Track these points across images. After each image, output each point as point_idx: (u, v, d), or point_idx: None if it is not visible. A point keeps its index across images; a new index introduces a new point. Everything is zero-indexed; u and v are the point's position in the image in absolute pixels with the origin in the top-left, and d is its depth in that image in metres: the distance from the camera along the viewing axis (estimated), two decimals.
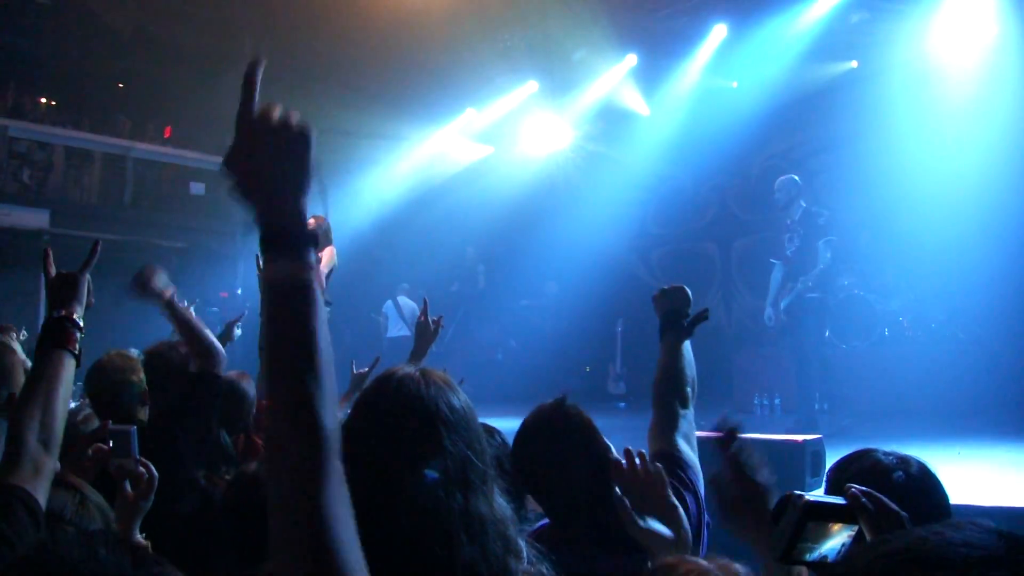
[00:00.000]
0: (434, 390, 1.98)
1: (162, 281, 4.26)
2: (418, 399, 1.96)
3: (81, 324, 2.76)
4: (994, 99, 12.36)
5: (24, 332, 7.04)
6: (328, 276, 11.40)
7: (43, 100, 20.79)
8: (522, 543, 1.92)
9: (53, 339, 2.68)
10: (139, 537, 2.73)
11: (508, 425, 3.17)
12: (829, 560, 1.75)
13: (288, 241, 1.60)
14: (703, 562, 1.81)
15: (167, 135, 22.33)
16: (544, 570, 1.93)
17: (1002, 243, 11.62)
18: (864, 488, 1.79)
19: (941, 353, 11.74)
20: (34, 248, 18.36)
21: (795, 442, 5.76)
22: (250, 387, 4.78)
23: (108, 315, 21.25)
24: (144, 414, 4.11)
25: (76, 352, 2.70)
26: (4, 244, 18.65)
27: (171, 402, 4.02)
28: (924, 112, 12.86)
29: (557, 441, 2.81)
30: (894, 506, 1.78)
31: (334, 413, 1.47)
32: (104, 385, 4.07)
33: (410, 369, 2.05)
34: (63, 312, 2.79)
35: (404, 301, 16.86)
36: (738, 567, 1.78)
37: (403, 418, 1.94)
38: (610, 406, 14.15)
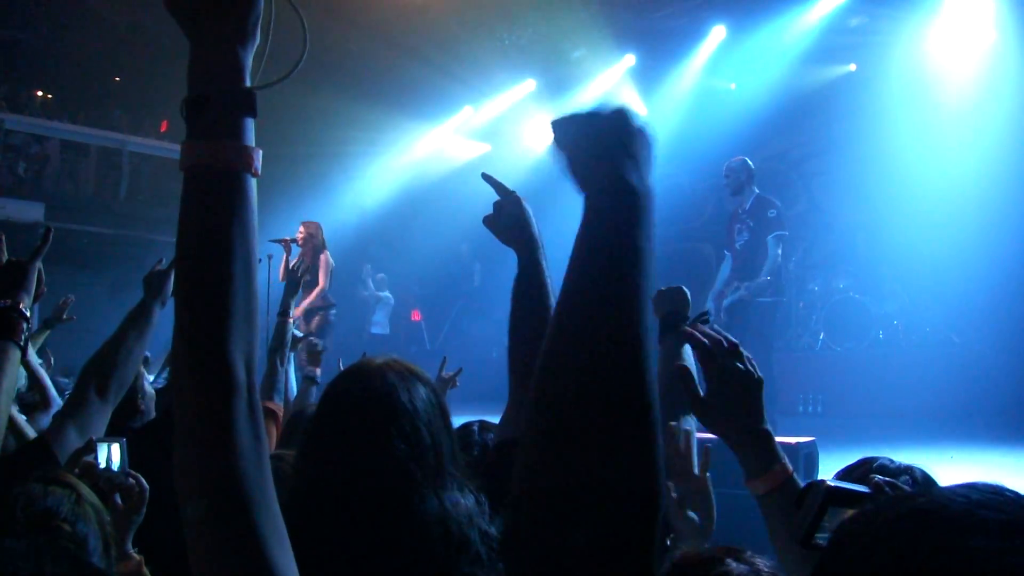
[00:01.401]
0: (390, 381, 1.96)
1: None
2: (371, 392, 1.94)
3: (28, 314, 2.66)
4: (992, 104, 12.37)
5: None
6: (328, 280, 11.54)
7: (39, 93, 20.75)
8: (476, 538, 1.87)
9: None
10: (132, 551, 2.69)
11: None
12: None
13: (213, 108, 1.37)
14: (734, 563, 1.80)
15: (163, 129, 22.30)
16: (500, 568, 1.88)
17: (998, 247, 11.63)
18: (888, 479, 1.78)
19: (935, 356, 11.76)
20: (30, 242, 18.33)
21: (788, 444, 5.75)
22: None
23: (103, 308, 21.27)
24: (143, 415, 4.08)
25: (21, 343, 2.62)
26: None
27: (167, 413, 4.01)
28: (922, 116, 12.88)
29: None
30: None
31: (247, 347, 1.33)
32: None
33: (373, 361, 2.03)
34: (7, 302, 2.67)
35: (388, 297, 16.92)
36: (761, 563, 1.78)
37: (355, 410, 1.93)
38: None
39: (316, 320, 11.76)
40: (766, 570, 1.76)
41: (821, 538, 1.72)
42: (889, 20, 13.69)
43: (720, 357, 2.06)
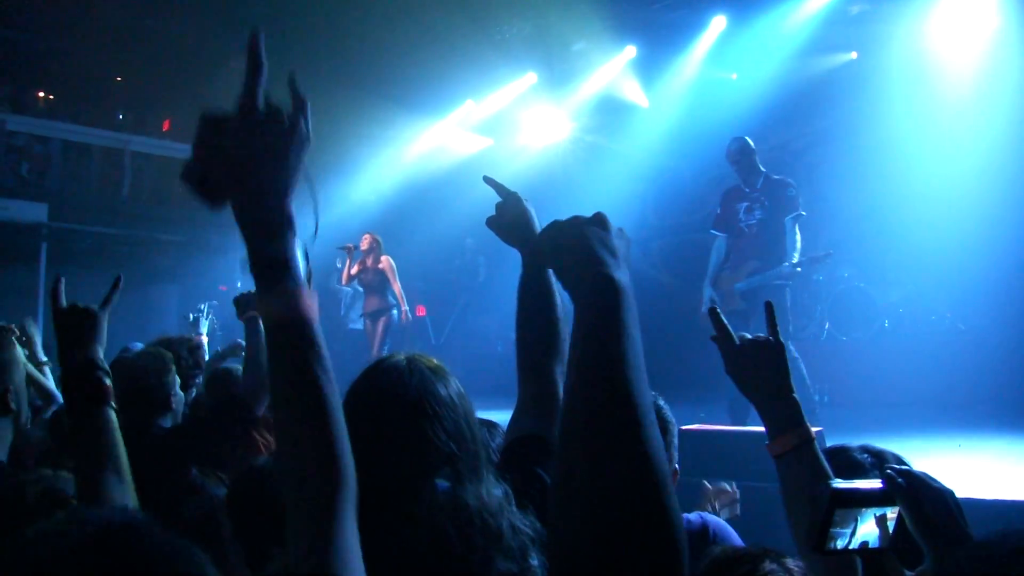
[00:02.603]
0: (418, 379, 1.96)
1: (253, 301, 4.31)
2: (401, 391, 1.94)
3: (106, 367, 2.40)
4: (995, 91, 12.34)
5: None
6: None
7: (41, 94, 20.78)
8: (508, 531, 1.88)
9: (86, 396, 2.33)
10: None
11: (507, 418, 3.16)
12: (871, 546, 1.73)
13: (269, 267, 1.52)
14: (769, 563, 1.81)
15: (166, 128, 22.31)
16: (532, 563, 1.89)
17: (1002, 235, 11.61)
18: (901, 468, 1.77)
19: (941, 345, 11.74)
20: (33, 242, 18.36)
21: None
22: None
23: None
24: (167, 419, 4.09)
25: (115, 406, 2.39)
26: (2, 239, 18.64)
27: (197, 421, 4.04)
28: (924, 104, 12.85)
29: None
30: (938, 483, 1.76)
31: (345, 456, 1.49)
32: (122, 387, 4.00)
33: (398, 358, 2.04)
34: (81, 356, 2.43)
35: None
36: (794, 565, 1.78)
37: (385, 411, 1.93)
38: None
39: (382, 320, 12.77)
40: (798, 571, 1.76)
41: (836, 537, 1.69)
42: (890, 7, 13.66)
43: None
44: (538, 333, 2.49)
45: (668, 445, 3.01)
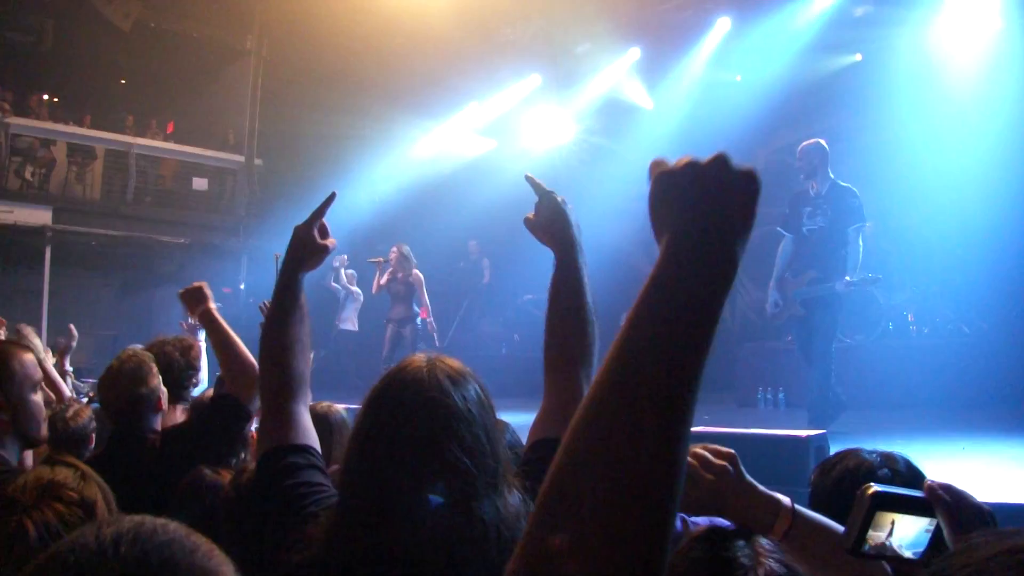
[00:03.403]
0: (436, 390, 1.92)
1: (204, 294, 4.25)
2: (426, 399, 1.91)
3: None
4: (999, 92, 12.33)
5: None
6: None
7: (45, 97, 20.80)
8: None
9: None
10: None
11: (513, 419, 3.16)
12: (906, 555, 1.72)
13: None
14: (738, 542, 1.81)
15: (169, 130, 22.34)
16: None
17: (1007, 237, 11.60)
18: (943, 482, 1.76)
19: (945, 347, 11.72)
20: (37, 245, 18.38)
21: (798, 437, 5.74)
22: (338, 417, 4.45)
23: (113, 309, 21.20)
24: (158, 422, 4.08)
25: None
26: (7, 242, 18.67)
27: (198, 421, 4.03)
28: (929, 105, 12.84)
29: None
30: (977, 500, 1.75)
31: None
32: (116, 396, 4.00)
33: (419, 364, 2.00)
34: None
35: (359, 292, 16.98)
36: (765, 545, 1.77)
37: (410, 419, 1.90)
38: None
39: (409, 328, 13.59)
40: (769, 555, 1.75)
41: (873, 541, 1.68)
42: (894, 9, 13.66)
43: None
44: (569, 334, 2.47)
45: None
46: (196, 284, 4.39)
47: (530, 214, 2.68)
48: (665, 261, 1.18)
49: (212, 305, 4.27)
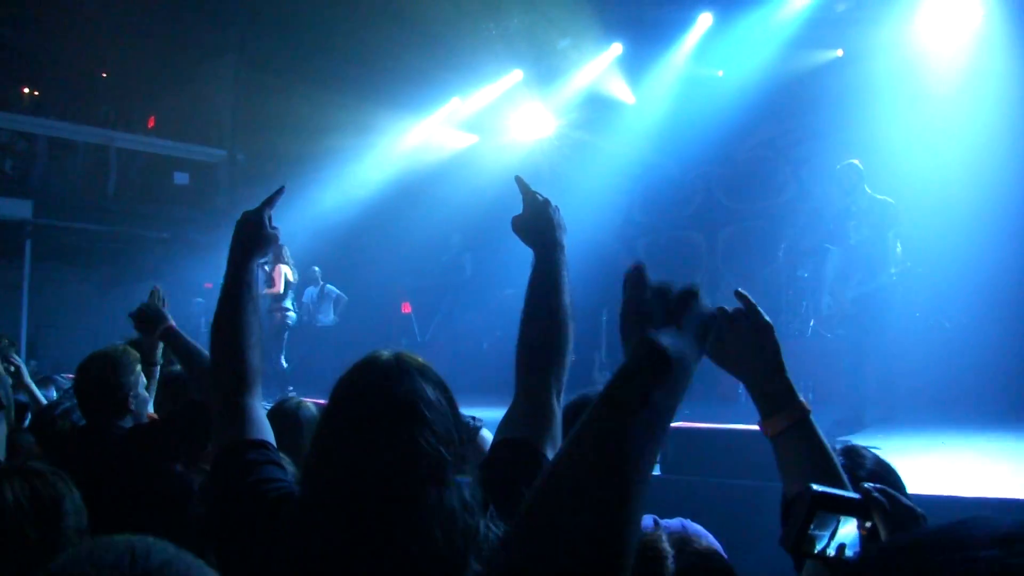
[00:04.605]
0: (407, 383, 1.94)
1: (161, 313, 4.18)
2: (392, 397, 1.91)
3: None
4: (980, 87, 12.38)
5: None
6: (285, 290, 14.07)
7: (25, 90, 20.71)
8: (483, 530, 1.88)
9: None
10: None
11: (493, 414, 3.17)
12: (846, 553, 1.74)
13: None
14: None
15: (151, 125, 22.28)
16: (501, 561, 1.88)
17: (987, 232, 11.65)
18: (879, 485, 1.78)
19: (926, 342, 11.76)
20: (17, 239, 18.30)
21: None
22: (308, 414, 4.44)
23: (94, 304, 21.11)
24: (134, 415, 4.07)
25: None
26: None
27: (166, 423, 4.02)
28: (910, 100, 12.89)
29: None
30: (910, 503, 1.77)
31: None
32: (92, 386, 3.99)
33: (385, 358, 2.01)
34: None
35: (332, 288, 17.09)
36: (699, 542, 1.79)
37: (375, 415, 1.90)
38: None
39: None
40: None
41: (813, 540, 1.70)
42: (875, 4, 13.68)
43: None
44: (542, 334, 2.48)
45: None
46: (147, 305, 4.29)
47: (518, 215, 2.70)
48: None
49: (171, 323, 4.20)
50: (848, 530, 1.73)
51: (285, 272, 14.04)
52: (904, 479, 2.46)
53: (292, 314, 14.37)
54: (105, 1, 18.68)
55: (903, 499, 1.76)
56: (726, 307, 2.13)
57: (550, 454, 2.26)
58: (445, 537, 1.82)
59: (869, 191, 9.92)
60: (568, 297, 2.54)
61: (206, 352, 4.06)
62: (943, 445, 7.73)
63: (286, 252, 14.16)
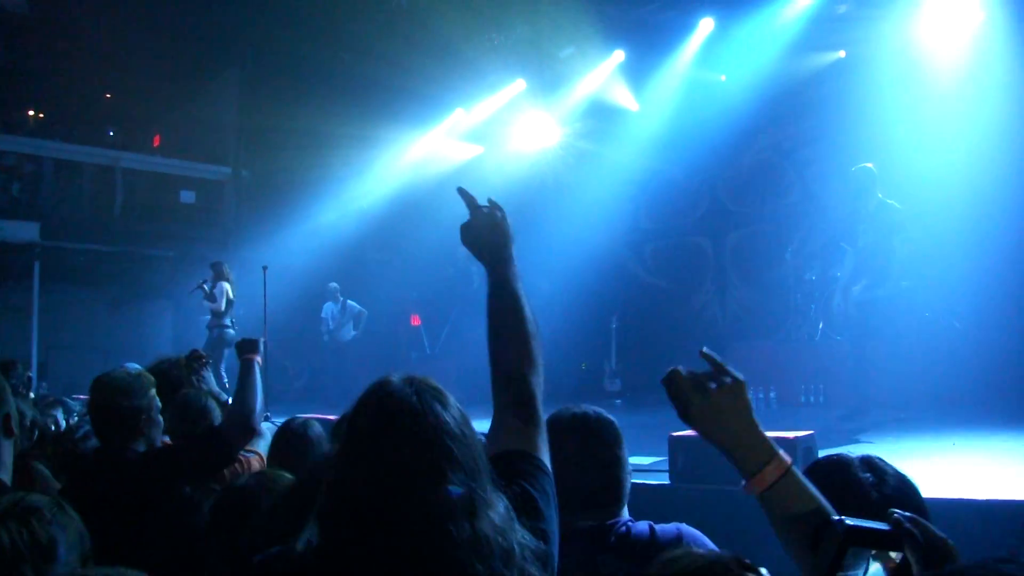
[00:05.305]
0: (430, 417, 1.88)
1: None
2: (415, 436, 1.85)
3: None
4: (982, 86, 12.36)
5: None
6: (227, 308, 14.53)
7: (31, 113, 20.77)
8: (516, 547, 1.85)
9: None
10: None
11: None
12: None
13: None
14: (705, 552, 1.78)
15: (156, 144, 22.33)
16: (535, 572, 1.87)
17: (995, 230, 11.63)
18: (909, 515, 1.74)
19: (935, 342, 11.71)
20: (26, 262, 18.34)
21: (786, 439, 5.71)
22: (316, 432, 4.49)
23: (104, 324, 21.13)
24: (147, 439, 4.07)
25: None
26: None
27: (185, 448, 4.03)
28: (913, 100, 12.87)
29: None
30: (941, 535, 1.73)
31: None
32: (106, 409, 3.99)
33: (402, 386, 1.93)
34: None
35: (353, 304, 17.11)
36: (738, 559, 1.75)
37: (401, 460, 1.84)
38: (607, 403, 14.08)
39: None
40: None
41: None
42: (876, 6, 13.67)
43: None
44: (512, 345, 2.45)
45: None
46: (255, 338, 4.60)
47: (465, 226, 2.68)
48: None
49: (258, 358, 4.43)
50: (873, 562, 1.69)
51: (227, 289, 14.49)
52: (917, 482, 2.42)
53: (231, 330, 14.55)
54: (108, 23, 18.73)
55: (935, 530, 1.72)
56: (693, 370, 2.09)
57: (544, 458, 2.26)
58: (486, 567, 1.79)
59: (881, 196, 9.99)
60: (528, 308, 2.50)
61: (259, 399, 4.22)
62: (954, 446, 7.69)
63: (226, 269, 14.74)
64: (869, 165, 10.23)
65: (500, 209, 2.66)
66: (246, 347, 4.40)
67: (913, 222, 10.09)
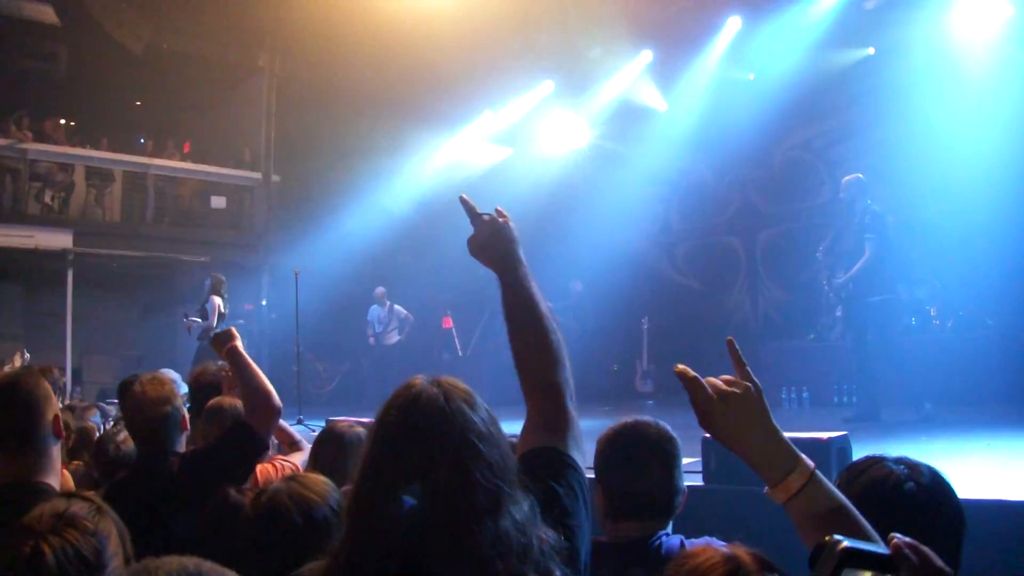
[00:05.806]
0: (459, 419, 1.88)
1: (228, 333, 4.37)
2: (443, 437, 1.86)
3: None
4: (1015, 80, 12.26)
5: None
6: (218, 322, 14.31)
7: (61, 121, 20.91)
8: (536, 544, 1.85)
9: None
10: None
11: None
12: None
13: None
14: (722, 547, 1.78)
15: (186, 150, 22.44)
16: (554, 567, 1.87)
17: None
18: (910, 540, 1.72)
19: (969, 341, 11.63)
20: (59, 269, 18.48)
21: (819, 440, 5.67)
22: (353, 436, 4.47)
23: (136, 330, 21.23)
24: (182, 442, 4.10)
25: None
26: (29, 267, 18.79)
27: (217, 447, 4.04)
28: (944, 96, 12.78)
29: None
30: (940, 562, 1.71)
31: None
32: (140, 416, 4.01)
33: (433, 391, 1.93)
34: None
35: (399, 308, 17.14)
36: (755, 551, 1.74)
37: (430, 460, 1.84)
38: (639, 404, 14.07)
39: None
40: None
41: None
42: (903, 1, 13.60)
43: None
44: (532, 346, 2.47)
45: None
46: (225, 329, 4.48)
47: (471, 238, 2.69)
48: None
49: (239, 343, 4.30)
50: None
51: (218, 304, 14.49)
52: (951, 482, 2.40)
53: None
54: (136, 31, 18.85)
55: (934, 557, 1.71)
56: (713, 378, 2.06)
57: (575, 455, 2.27)
58: (505, 566, 1.79)
59: (870, 202, 10.14)
60: (544, 305, 2.51)
61: (264, 376, 4.15)
62: (989, 447, 7.60)
63: (222, 283, 14.76)
64: (860, 175, 10.43)
65: (503, 215, 2.66)
66: (221, 340, 4.33)
67: (889, 226, 10.16)
